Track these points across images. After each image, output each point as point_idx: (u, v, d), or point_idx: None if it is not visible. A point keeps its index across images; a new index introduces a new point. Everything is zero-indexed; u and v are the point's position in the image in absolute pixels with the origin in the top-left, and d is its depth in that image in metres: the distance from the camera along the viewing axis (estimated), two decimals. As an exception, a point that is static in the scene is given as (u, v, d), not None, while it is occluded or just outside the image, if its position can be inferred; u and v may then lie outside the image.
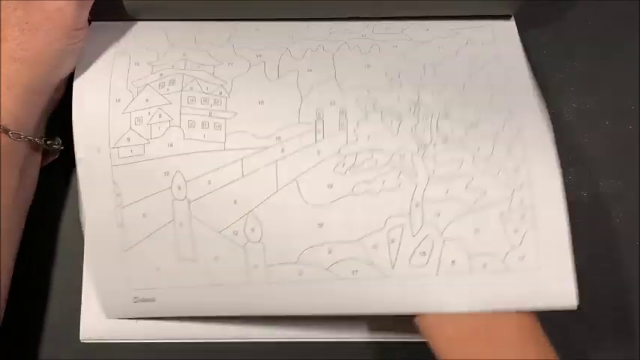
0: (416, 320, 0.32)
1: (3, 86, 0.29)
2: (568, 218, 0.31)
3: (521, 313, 0.30)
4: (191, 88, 0.32)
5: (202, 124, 0.32)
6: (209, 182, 0.32)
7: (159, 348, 0.34)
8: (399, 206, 0.31)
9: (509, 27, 0.35)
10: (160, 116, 0.32)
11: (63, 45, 0.30)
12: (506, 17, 0.36)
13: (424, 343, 0.34)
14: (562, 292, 0.30)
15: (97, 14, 0.32)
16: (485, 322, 0.30)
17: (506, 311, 0.30)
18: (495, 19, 0.35)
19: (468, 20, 0.35)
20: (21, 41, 0.29)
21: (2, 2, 0.29)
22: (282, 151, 0.32)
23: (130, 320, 0.34)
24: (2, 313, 0.32)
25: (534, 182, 0.31)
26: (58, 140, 0.33)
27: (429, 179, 0.32)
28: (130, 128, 0.32)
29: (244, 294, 0.32)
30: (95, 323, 0.34)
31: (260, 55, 0.33)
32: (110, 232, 0.32)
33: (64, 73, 0.32)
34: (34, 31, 0.29)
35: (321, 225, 0.31)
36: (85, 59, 0.33)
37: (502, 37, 0.35)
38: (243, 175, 0.32)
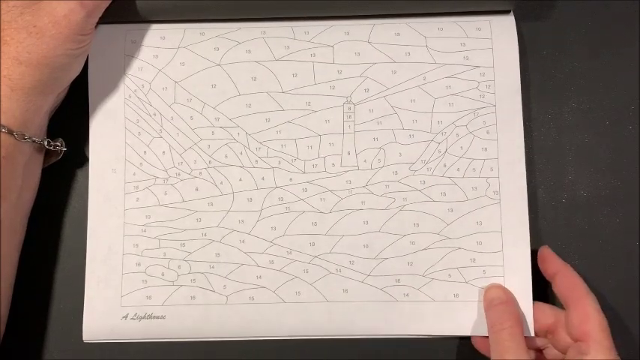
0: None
1: (8, 88, 0.30)
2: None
3: None
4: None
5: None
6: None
7: (159, 348, 0.35)
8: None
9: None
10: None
11: (68, 50, 0.30)
12: (506, 12, 0.36)
13: (425, 340, 0.34)
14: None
15: (103, 16, 0.33)
16: None
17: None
18: (494, 15, 0.36)
19: (467, 16, 0.36)
20: (27, 44, 0.29)
21: (11, 5, 0.30)
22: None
23: (133, 320, 0.34)
24: (7, 312, 0.32)
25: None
26: (62, 141, 0.34)
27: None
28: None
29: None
30: (97, 323, 0.34)
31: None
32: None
33: (69, 76, 0.32)
34: (41, 35, 0.29)
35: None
36: (95, 67, 0.35)
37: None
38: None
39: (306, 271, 0.34)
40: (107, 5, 0.32)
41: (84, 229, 0.34)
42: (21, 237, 0.33)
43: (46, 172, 0.34)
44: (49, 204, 0.35)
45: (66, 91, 0.34)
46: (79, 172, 0.36)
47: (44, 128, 0.33)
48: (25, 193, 0.33)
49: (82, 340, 0.34)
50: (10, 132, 0.30)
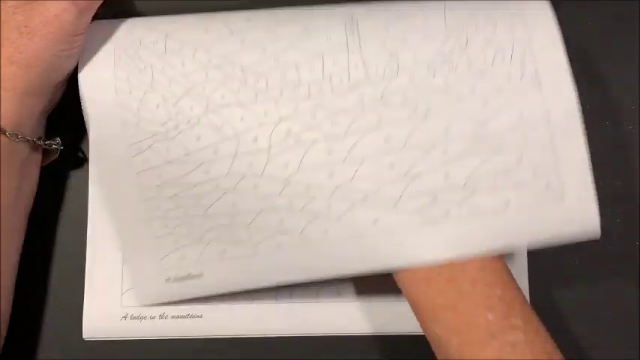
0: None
1: (0, 88, 0.29)
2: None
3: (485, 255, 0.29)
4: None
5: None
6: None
7: (160, 347, 0.34)
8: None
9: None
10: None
11: (59, 50, 0.30)
12: None
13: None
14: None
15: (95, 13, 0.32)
16: (449, 263, 0.29)
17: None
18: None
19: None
20: (18, 44, 0.29)
21: (2, 5, 0.29)
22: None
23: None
24: (8, 313, 0.32)
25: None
26: (58, 140, 0.33)
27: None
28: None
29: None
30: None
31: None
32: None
33: (62, 76, 0.32)
34: (32, 35, 0.29)
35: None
36: (86, 59, 0.33)
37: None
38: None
39: (330, 206, 0.31)
40: (99, 4, 0.31)
41: (84, 227, 0.34)
42: (21, 237, 0.33)
43: (45, 171, 0.34)
44: (48, 203, 0.35)
45: (63, 88, 0.33)
46: (79, 170, 0.35)
47: (41, 127, 0.33)
48: (23, 194, 0.32)
49: (83, 340, 0.34)
50: (3, 132, 0.30)
